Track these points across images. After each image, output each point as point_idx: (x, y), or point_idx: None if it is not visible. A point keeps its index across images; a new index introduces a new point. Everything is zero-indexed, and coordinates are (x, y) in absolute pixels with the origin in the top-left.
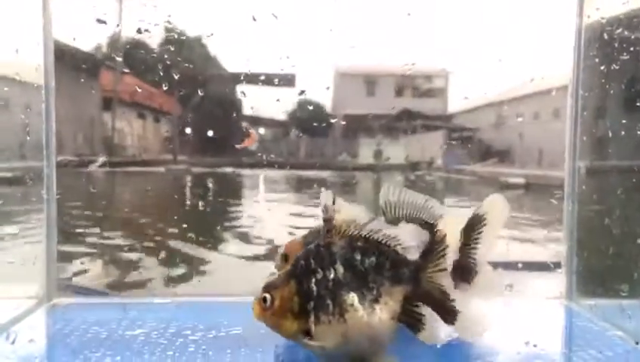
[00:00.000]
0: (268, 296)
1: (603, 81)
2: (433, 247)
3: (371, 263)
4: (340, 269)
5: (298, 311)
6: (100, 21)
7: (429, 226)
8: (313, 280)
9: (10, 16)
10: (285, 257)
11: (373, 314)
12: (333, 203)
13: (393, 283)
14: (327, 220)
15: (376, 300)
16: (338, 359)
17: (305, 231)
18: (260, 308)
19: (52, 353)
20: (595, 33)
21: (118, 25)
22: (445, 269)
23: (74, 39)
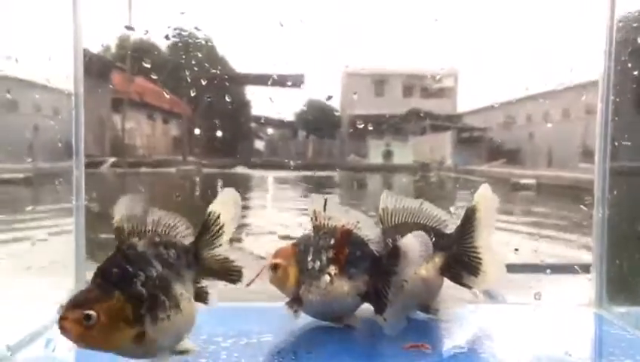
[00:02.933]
0: (92, 312)
1: (634, 80)
2: (206, 228)
3: (173, 254)
4: (159, 266)
5: (132, 317)
6: (128, 28)
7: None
8: (139, 283)
9: (42, 28)
10: (275, 266)
11: (188, 300)
12: (324, 209)
13: (188, 269)
14: (317, 227)
15: (184, 287)
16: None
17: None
18: (82, 328)
19: (84, 358)
20: (626, 33)
21: (146, 32)
22: (220, 245)
23: (102, 45)
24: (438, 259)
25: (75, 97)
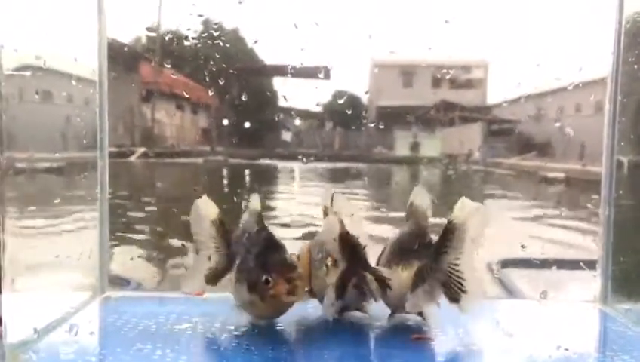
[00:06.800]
0: None
1: None
2: None
3: None
4: None
5: None
6: (149, 29)
7: None
8: None
9: (70, 21)
10: None
11: None
12: (331, 204)
13: None
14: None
15: None
16: None
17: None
18: None
19: (107, 344)
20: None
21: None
22: None
23: (125, 47)
24: None
25: (99, 88)
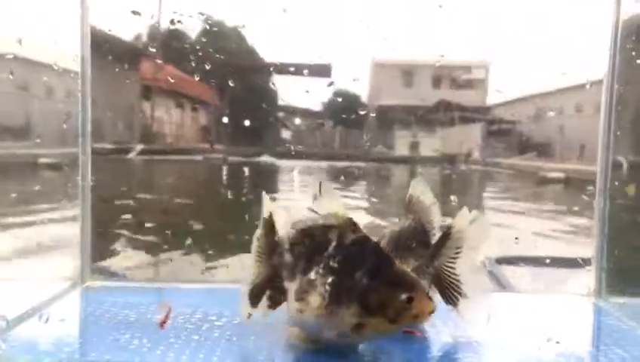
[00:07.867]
0: None
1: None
2: None
3: None
4: None
5: None
6: (134, 12)
7: None
8: None
9: (50, 7)
10: None
11: None
12: (320, 192)
13: None
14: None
15: None
16: None
17: None
18: None
19: (83, 333)
20: (632, 24)
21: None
22: None
23: (109, 30)
24: None
25: (81, 79)
